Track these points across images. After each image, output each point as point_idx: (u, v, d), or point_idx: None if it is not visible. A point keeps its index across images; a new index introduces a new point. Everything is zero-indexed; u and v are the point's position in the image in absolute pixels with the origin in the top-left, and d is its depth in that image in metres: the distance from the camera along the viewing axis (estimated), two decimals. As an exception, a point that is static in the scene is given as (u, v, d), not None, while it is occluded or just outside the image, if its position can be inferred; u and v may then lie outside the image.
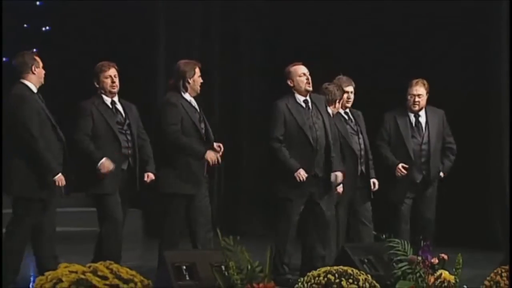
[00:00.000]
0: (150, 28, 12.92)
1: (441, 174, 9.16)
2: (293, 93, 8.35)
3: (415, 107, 9.08)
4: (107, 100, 7.89)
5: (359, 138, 8.85)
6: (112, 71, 7.90)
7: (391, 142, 9.12)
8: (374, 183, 8.85)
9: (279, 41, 12.80)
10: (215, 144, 8.11)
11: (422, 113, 9.16)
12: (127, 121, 7.93)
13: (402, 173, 8.97)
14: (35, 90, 7.50)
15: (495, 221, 11.64)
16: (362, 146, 8.81)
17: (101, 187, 7.71)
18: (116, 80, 7.90)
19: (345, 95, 8.81)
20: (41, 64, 7.57)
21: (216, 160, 7.94)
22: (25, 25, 13.46)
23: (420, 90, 9.08)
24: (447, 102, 9.57)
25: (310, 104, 8.33)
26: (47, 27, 13.60)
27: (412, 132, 9.11)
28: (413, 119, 9.13)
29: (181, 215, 8.10)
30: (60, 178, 7.32)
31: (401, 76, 10.79)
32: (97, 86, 7.90)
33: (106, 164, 7.65)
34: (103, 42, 12.48)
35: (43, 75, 7.57)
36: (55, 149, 7.43)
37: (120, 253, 7.65)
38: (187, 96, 8.05)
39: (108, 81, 7.87)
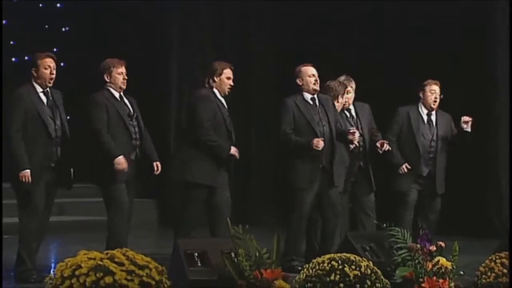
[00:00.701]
0: (164, 29, 12.93)
1: None
2: (301, 92, 8.38)
3: (435, 104, 9.11)
4: (116, 94, 7.89)
5: (351, 123, 8.88)
6: (124, 69, 7.90)
7: (402, 135, 9.12)
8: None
9: (286, 44, 12.81)
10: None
11: (433, 112, 9.19)
12: (135, 114, 7.92)
13: (404, 172, 9.00)
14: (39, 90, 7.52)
15: (490, 210, 11.64)
16: (361, 142, 8.82)
17: (112, 176, 7.68)
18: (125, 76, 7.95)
19: (348, 95, 8.86)
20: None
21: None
22: (46, 26, 13.47)
23: (438, 90, 9.11)
24: (446, 98, 9.58)
25: (317, 102, 8.36)
26: (67, 28, 13.62)
27: (423, 128, 9.12)
28: (425, 116, 9.14)
29: (200, 206, 8.15)
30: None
31: (402, 75, 10.86)
32: (108, 80, 7.86)
33: (122, 161, 7.64)
34: (119, 41, 12.49)
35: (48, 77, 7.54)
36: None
37: (126, 240, 7.65)
38: (217, 93, 8.11)
39: (121, 77, 7.85)
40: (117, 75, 7.87)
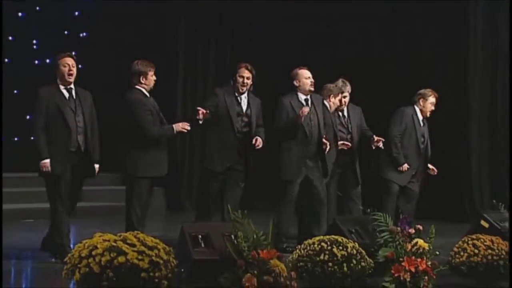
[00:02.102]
0: (171, 35, 12.93)
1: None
2: (297, 92, 8.35)
3: (430, 113, 9.18)
4: (148, 94, 7.81)
5: (348, 133, 8.87)
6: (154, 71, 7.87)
7: (405, 134, 9.12)
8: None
9: (283, 47, 12.79)
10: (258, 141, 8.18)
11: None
12: (160, 111, 7.86)
13: (405, 170, 9.00)
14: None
15: (463, 198, 11.66)
16: (350, 140, 8.83)
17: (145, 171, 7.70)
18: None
19: (344, 99, 8.90)
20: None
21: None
22: (65, 32, 13.44)
23: (435, 101, 9.16)
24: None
25: (309, 102, 8.33)
26: (85, 33, 13.59)
27: (420, 129, 9.14)
28: (421, 120, 9.17)
29: (214, 191, 8.22)
30: None
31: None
32: (142, 82, 7.75)
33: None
34: (133, 46, 12.49)
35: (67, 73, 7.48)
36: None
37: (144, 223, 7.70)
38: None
39: (153, 79, 7.79)
40: (151, 77, 7.81)
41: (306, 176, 8.27)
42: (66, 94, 7.45)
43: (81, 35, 13.56)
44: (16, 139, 12.65)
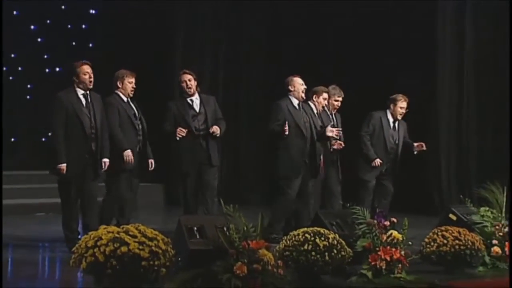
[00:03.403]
0: (170, 46, 12.93)
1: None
2: (290, 97, 8.34)
3: (400, 116, 9.20)
4: (125, 98, 7.85)
5: (331, 122, 8.88)
6: (134, 79, 7.88)
7: (374, 135, 9.13)
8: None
9: (275, 55, 12.79)
10: (214, 127, 8.06)
11: (397, 121, 9.24)
12: (139, 115, 7.90)
13: (377, 165, 9.01)
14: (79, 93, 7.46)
15: (433, 193, 11.66)
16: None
17: (121, 165, 7.67)
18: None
19: (335, 103, 8.97)
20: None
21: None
22: (73, 43, 13.42)
23: (406, 106, 9.18)
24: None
25: (301, 107, 8.34)
26: (91, 44, 13.57)
27: (389, 131, 9.14)
28: (391, 122, 9.18)
29: (191, 189, 8.13)
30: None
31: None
32: (119, 87, 7.82)
33: (129, 153, 7.64)
34: (133, 55, 12.48)
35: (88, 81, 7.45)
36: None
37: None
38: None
39: (131, 86, 7.85)
40: (128, 83, 7.83)
41: (303, 174, 8.27)
42: (83, 100, 7.43)
43: (89, 45, 13.56)
44: (30, 140, 12.62)
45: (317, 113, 8.70)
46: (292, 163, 8.19)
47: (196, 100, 8.21)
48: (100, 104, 7.53)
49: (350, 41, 11.95)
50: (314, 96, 8.74)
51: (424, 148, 9.11)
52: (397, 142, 9.21)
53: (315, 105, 8.71)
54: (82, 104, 7.39)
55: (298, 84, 8.36)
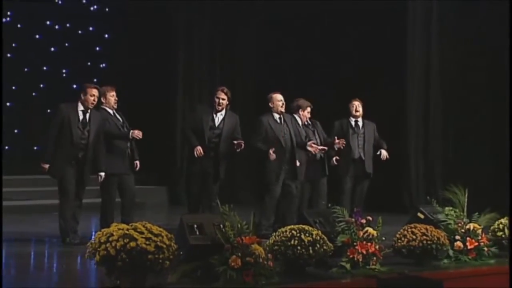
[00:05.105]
0: (172, 62, 12.95)
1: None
2: (272, 112, 8.36)
3: (357, 113, 9.14)
4: (111, 111, 7.85)
5: (316, 139, 8.86)
6: (115, 92, 7.89)
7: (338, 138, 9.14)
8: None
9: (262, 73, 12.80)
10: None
11: (359, 120, 9.18)
12: (125, 123, 7.92)
13: (334, 164, 9.03)
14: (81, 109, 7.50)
15: (403, 194, 11.66)
16: (319, 143, 8.84)
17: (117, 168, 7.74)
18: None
19: (307, 113, 8.89)
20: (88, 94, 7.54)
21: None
22: (88, 63, 13.43)
23: (357, 104, 9.14)
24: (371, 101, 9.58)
25: (282, 120, 8.34)
26: (104, 64, 13.57)
27: (355, 131, 9.09)
28: (353, 123, 9.12)
29: (195, 189, 8.21)
30: None
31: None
32: (104, 102, 7.82)
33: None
34: (140, 73, 12.53)
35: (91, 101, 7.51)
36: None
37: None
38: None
39: (113, 98, 7.88)
40: (110, 97, 7.82)
41: (283, 178, 8.28)
42: (81, 116, 7.45)
43: (101, 65, 13.55)
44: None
45: (302, 124, 8.72)
46: (272, 170, 8.20)
47: (220, 116, 8.26)
48: (98, 121, 7.56)
49: (319, 48, 11.96)
50: (300, 110, 8.75)
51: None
52: (363, 149, 9.14)
53: (300, 117, 8.75)
54: (78, 118, 7.43)
55: (277, 101, 8.41)
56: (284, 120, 8.44)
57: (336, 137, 8.80)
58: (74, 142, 7.35)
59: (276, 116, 8.40)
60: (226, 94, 8.23)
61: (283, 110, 8.42)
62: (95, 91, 7.48)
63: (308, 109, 8.83)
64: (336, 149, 8.88)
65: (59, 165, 7.33)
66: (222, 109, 8.24)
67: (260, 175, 8.34)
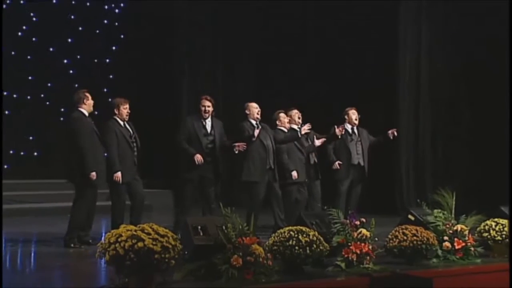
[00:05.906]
0: (176, 73, 12.99)
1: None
2: (249, 118, 8.42)
3: (356, 121, 9.21)
4: (121, 122, 7.88)
5: (308, 142, 8.86)
6: (128, 105, 7.91)
7: (336, 144, 9.11)
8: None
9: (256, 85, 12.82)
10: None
11: (355, 127, 9.23)
12: (134, 134, 7.93)
13: (337, 168, 9.03)
14: (86, 114, 7.57)
15: (395, 197, 11.65)
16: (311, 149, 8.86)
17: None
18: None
19: (299, 120, 8.90)
20: (90, 98, 7.62)
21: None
22: (97, 74, 13.48)
23: (356, 112, 9.22)
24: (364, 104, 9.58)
25: (258, 125, 8.39)
26: (111, 76, 13.61)
27: (352, 138, 9.09)
28: (350, 131, 9.15)
29: (190, 194, 8.20)
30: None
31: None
32: (116, 113, 7.85)
33: (119, 175, 7.69)
34: (147, 83, 12.55)
35: (92, 106, 7.62)
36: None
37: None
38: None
39: (125, 111, 7.90)
40: (123, 109, 7.84)
41: (268, 179, 8.31)
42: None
43: (110, 76, 13.59)
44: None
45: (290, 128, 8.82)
46: (256, 170, 8.29)
47: (208, 122, 8.27)
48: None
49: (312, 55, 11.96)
50: (289, 116, 8.85)
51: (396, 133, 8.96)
52: (362, 155, 9.15)
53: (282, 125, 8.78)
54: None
55: (253, 108, 8.47)
56: (265, 128, 8.52)
57: (335, 126, 8.82)
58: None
59: (253, 122, 8.50)
60: (210, 101, 8.26)
61: (259, 117, 8.47)
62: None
63: (298, 115, 8.90)
64: (338, 134, 8.86)
65: (96, 170, 7.44)
66: (209, 116, 8.26)
67: (245, 176, 8.37)
